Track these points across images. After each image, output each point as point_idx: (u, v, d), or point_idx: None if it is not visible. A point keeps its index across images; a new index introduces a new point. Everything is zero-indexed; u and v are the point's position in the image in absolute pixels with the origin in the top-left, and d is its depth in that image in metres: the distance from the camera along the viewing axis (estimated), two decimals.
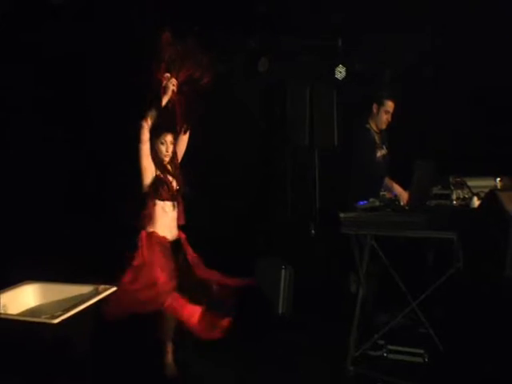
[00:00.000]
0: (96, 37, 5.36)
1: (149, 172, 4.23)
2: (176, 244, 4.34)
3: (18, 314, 3.76)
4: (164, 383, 4.35)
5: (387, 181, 4.82)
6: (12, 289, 3.98)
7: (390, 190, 4.78)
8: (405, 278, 4.49)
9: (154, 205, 4.25)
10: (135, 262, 4.13)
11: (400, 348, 4.66)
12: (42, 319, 3.40)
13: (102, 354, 4.00)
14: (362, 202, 4.49)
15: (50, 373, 3.49)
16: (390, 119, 5.02)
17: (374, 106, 5.00)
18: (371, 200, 4.48)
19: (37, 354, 3.42)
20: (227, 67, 6.20)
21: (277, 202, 6.39)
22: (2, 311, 3.69)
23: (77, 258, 4.69)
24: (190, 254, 4.36)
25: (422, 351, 4.56)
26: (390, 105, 4.98)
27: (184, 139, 4.47)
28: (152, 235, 4.22)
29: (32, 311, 3.92)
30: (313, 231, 6.07)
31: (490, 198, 3.62)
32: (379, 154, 5.05)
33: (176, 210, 4.34)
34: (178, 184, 4.36)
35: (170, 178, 4.33)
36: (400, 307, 4.50)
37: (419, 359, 4.54)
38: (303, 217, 6.19)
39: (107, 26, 5.39)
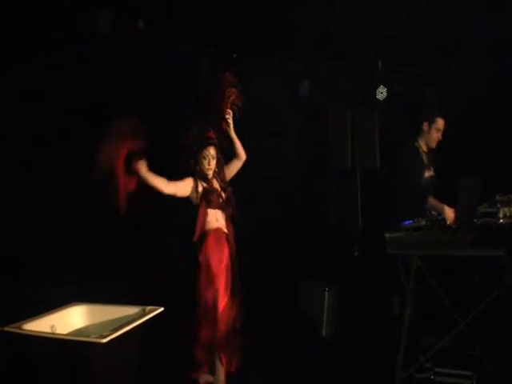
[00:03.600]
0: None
1: (188, 185, 4.42)
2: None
3: (67, 335, 3.81)
4: None
5: (431, 200, 4.76)
6: (59, 310, 4.04)
7: (434, 209, 4.71)
8: (452, 298, 4.41)
9: (206, 214, 4.41)
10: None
11: (447, 370, 4.57)
12: (91, 339, 3.43)
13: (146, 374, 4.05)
14: (407, 222, 4.45)
15: None
16: (440, 137, 4.98)
17: (425, 125, 4.96)
18: (417, 219, 4.44)
19: (84, 374, 3.46)
20: (269, 92, 6.26)
21: (321, 224, 6.36)
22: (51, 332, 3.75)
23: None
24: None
25: (469, 373, 4.46)
26: (440, 123, 4.94)
27: (236, 164, 4.64)
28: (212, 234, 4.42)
29: (80, 332, 3.96)
30: (356, 252, 6.03)
31: None
32: (427, 174, 4.99)
33: (226, 220, 4.49)
34: (226, 197, 4.51)
35: (218, 189, 4.50)
36: (448, 328, 4.41)
37: (467, 382, 4.43)
38: (347, 238, 6.16)
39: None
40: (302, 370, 4.80)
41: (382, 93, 5.98)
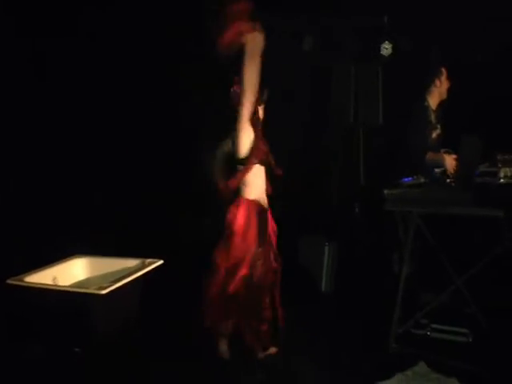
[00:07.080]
0: None
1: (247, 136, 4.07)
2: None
3: (68, 286, 3.87)
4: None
5: (429, 155, 4.65)
6: (62, 262, 4.11)
7: (434, 162, 4.65)
8: (451, 256, 4.43)
9: (250, 169, 4.05)
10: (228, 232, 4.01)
11: (444, 327, 4.63)
12: (91, 290, 3.49)
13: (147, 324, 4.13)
14: (406, 179, 4.44)
15: (97, 342, 3.60)
16: (449, 84, 4.94)
17: (437, 81, 4.90)
18: (416, 176, 4.43)
19: (85, 324, 3.53)
20: (271, 46, 6.17)
21: (321, 180, 6.35)
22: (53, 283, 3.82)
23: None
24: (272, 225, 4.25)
25: (466, 331, 4.52)
26: (444, 70, 4.90)
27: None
28: (251, 203, 4.05)
29: (81, 283, 4.03)
30: (357, 209, 6.04)
31: None
32: (434, 134, 4.95)
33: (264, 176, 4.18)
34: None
35: (262, 142, 4.15)
36: (445, 286, 4.45)
37: (463, 339, 4.50)
38: (348, 194, 6.16)
39: None
40: (300, 325, 4.84)
41: (386, 48, 5.84)
